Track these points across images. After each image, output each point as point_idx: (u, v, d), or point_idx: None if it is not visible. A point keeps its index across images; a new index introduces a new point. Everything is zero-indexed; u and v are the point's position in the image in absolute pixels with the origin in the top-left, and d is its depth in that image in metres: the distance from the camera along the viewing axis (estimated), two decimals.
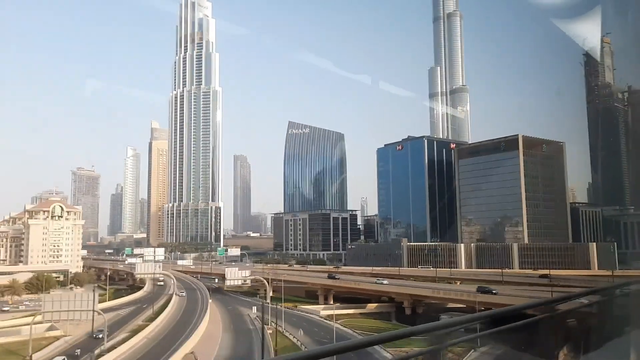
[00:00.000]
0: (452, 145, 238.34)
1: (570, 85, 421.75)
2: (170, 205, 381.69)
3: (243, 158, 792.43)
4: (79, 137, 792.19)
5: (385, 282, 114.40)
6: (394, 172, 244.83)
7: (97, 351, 62.82)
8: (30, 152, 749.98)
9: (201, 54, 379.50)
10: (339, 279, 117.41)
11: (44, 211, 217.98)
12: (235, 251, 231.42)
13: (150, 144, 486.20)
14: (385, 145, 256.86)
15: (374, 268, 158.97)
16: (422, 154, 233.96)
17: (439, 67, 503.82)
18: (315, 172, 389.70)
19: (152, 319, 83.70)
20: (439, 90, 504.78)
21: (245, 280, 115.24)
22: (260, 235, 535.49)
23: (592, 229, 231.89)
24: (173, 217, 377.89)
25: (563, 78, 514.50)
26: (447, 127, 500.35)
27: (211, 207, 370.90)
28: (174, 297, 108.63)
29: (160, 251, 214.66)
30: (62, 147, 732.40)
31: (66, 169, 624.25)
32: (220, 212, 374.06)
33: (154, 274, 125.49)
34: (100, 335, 67.03)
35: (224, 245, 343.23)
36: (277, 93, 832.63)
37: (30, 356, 62.43)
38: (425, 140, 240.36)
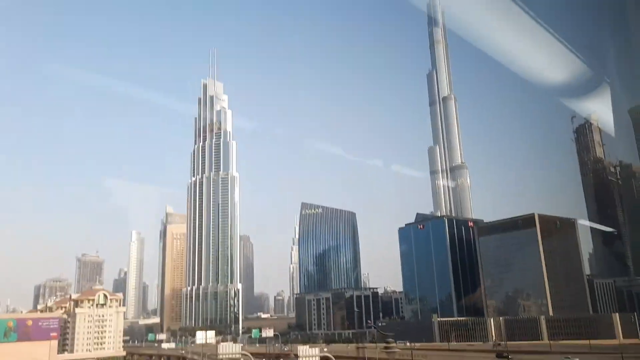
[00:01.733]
0: (471, 224, 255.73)
1: (564, 160, 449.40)
2: (189, 288, 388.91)
3: (246, 238, 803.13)
4: (83, 222, 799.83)
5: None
6: (416, 249, 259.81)
7: None
8: (36, 239, 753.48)
9: (219, 143, 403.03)
10: (510, 358, 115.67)
11: (89, 299, 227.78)
12: (269, 332, 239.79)
13: (164, 228, 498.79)
14: (406, 224, 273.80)
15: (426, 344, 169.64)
16: (444, 232, 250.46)
17: (437, 146, 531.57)
18: (329, 250, 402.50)
19: None
20: (439, 168, 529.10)
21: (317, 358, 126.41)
22: (271, 315, 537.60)
23: (607, 300, 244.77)
24: (192, 300, 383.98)
25: (556, 154, 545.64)
26: (450, 202, 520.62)
27: (230, 289, 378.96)
28: None
29: (211, 334, 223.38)
30: (66, 232, 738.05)
31: (71, 254, 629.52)
32: (239, 294, 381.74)
33: (237, 354, 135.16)
34: None
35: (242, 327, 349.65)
36: (287, 177, 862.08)
37: None
38: (446, 220, 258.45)
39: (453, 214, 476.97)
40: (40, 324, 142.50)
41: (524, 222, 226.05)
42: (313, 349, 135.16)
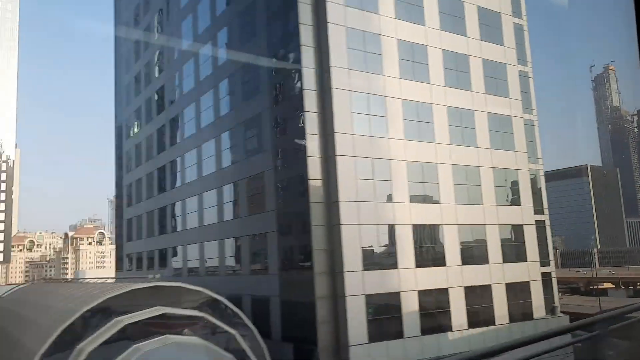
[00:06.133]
0: None
1: (583, 108, 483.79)
2: None
3: None
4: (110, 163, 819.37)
5: None
6: None
7: None
8: (67, 179, 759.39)
9: None
10: None
11: (88, 237, 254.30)
12: None
13: None
14: None
15: None
16: None
17: None
18: None
19: None
20: None
21: None
22: None
23: (637, 236, 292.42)
24: None
25: (575, 101, 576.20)
26: None
27: None
28: None
29: None
30: (95, 174, 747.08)
31: (102, 196, 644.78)
32: None
33: None
34: None
35: None
36: None
37: None
38: None
39: None
40: None
41: (578, 172, 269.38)
42: None
